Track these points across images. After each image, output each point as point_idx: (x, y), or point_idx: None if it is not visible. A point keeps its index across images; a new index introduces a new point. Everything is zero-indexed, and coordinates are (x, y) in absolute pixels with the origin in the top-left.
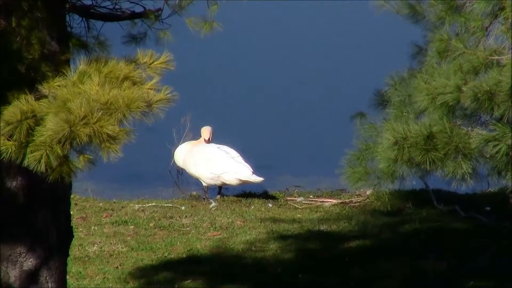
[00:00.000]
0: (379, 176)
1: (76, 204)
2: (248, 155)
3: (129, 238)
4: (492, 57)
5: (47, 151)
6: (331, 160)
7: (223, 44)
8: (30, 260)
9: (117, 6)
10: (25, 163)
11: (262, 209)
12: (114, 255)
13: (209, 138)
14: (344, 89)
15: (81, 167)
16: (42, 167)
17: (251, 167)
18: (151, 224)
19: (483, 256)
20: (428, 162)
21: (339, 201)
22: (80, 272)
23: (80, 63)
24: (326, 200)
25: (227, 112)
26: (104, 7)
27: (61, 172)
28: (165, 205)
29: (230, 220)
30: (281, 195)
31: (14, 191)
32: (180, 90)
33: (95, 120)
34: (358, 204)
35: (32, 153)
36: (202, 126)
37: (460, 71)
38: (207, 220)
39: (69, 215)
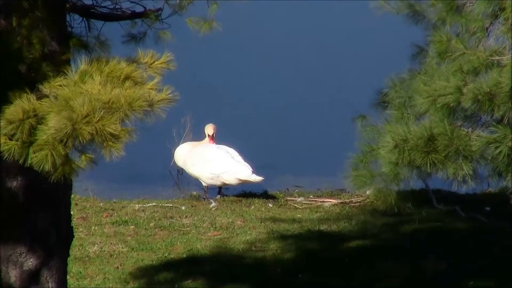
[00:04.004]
0: (385, 179)
1: (76, 204)
2: (248, 155)
3: (129, 238)
4: (493, 58)
5: (51, 151)
6: (331, 160)
7: (223, 44)
8: (31, 260)
9: (117, 6)
10: (28, 163)
11: (262, 209)
12: (115, 255)
13: (213, 134)
14: (344, 89)
15: (83, 166)
16: (48, 167)
17: (251, 166)
18: (151, 224)
19: (483, 256)
20: (428, 164)
21: (339, 201)
22: (80, 272)
23: (81, 63)
24: (326, 200)
25: (227, 112)
26: (104, 7)
27: (63, 172)
28: (165, 205)
29: (230, 220)
30: (281, 195)
31: (14, 191)
32: (180, 90)
33: (97, 119)
34: (358, 204)
35: (34, 152)
36: (202, 126)
37: (460, 71)
38: (207, 220)
39: (70, 215)
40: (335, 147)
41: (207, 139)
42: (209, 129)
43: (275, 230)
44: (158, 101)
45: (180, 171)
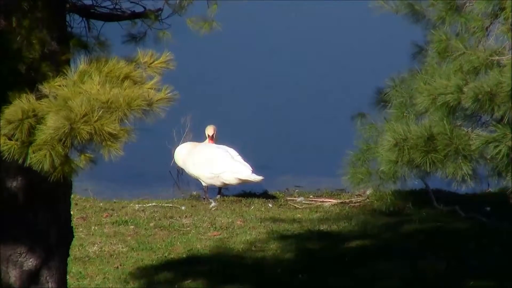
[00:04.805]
0: (382, 177)
1: (76, 204)
2: (248, 155)
3: (129, 238)
4: (492, 58)
5: (50, 151)
6: (331, 160)
7: (223, 44)
8: (31, 260)
9: (117, 6)
10: (27, 162)
11: (262, 209)
12: (114, 255)
13: (213, 135)
14: (344, 89)
15: (82, 166)
16: (47, 167)
17: (251, 166)
18: (151, 224)
19: (483, 256)
20: (428, 164)
21: (339, 201)
22: (80, 272)
23: (81, 63)
24: (326, 200)
25: (227, 112)
26: (104, 7)
27: (63, 171)
28: (165, 205)
29: (230, 220)
30: (281, 195)
31: (14, 191)
32: (180, 89)
33: (96, 118)
34: (358, 204)
35: (34, 152)
36: (202, 126)
37: (460, 71)
38: (207, 220)
39: (69, 215)
40: (335, 147)
41: (207, 139)
42: (209, 130)
43: (275, 230)
44: (157, 101)
45: (180, 171)
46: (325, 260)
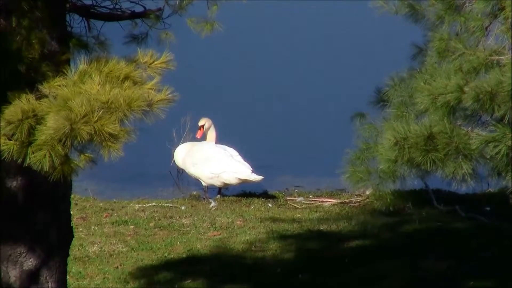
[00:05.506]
0: (381, 176)
1: (76, 204)
2: (248, 155)
3: (129, 238)
4: (492, 57)
5: (50, 151)
6: (331, 160)
7: (223, 44)
8: (30, 260)
9: (117, 6)
10: (27, 163)
11: (262, 209)
12: (114, 255)
13: (202, 126)
14: (344, 90)
15: (82, 166)
16: (46, 167)
17: (251, 166)
18: (151, 224)
19: (483, 256)
20: (428, 163)
21: (339, 201)
22: (80, 272)
23: (81, 63)
24: (326, 200)
25: (227, 112)
26: (104, 7)
27: (62, 171)
28: (165, 205)
29: (230, 220)
30: (281, 195)
31: (14, 191)
32: (180, 90)
33: (96, 118)
34: (358, 204)
35: (33, 153)
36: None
37: (460, 71)
38: (207, 220)
39: (69, 215)
40: (335, 147)
41: (206, 138)
42: (201, 121)
43: (275, 230)
44: (157, 101)
45: (180, 171)
46: (325, 260)
